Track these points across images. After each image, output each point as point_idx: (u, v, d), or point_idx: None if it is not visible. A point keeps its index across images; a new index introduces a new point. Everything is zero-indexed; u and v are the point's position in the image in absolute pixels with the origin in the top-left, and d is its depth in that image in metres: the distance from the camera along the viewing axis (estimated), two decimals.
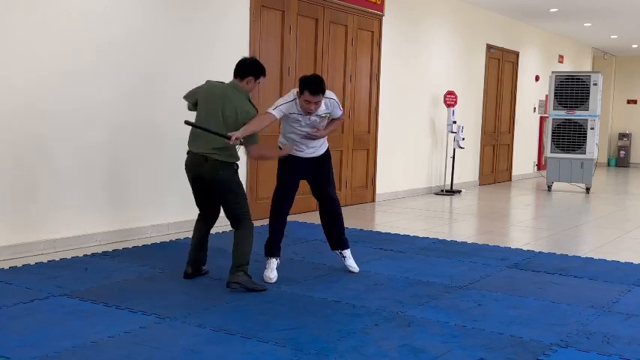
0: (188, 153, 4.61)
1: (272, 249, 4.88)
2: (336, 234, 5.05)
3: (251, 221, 4.61)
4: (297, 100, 4.66)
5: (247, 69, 4.60)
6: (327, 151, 5.02)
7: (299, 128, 4.77)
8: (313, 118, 4.73)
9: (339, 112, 4.87)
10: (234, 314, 3.97)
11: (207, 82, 4.71)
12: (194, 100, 4.68)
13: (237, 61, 4.67)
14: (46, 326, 3.65)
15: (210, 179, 4.51)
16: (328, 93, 4.76)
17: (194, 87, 4.76)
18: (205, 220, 4.81)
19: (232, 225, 4.60)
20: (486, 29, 12.25)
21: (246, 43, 7.15)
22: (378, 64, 9.35)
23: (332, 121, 4.89)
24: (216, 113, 4.48)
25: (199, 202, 4.75)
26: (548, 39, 14.86)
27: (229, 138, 4.31)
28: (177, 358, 3.26)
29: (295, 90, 4.70)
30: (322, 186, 5.00)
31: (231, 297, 4.31)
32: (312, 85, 4.56)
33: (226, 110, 4.47)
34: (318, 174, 4.97)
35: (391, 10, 9.46)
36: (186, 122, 4.46)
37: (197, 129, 4.49)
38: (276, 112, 4.62)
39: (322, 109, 4.73)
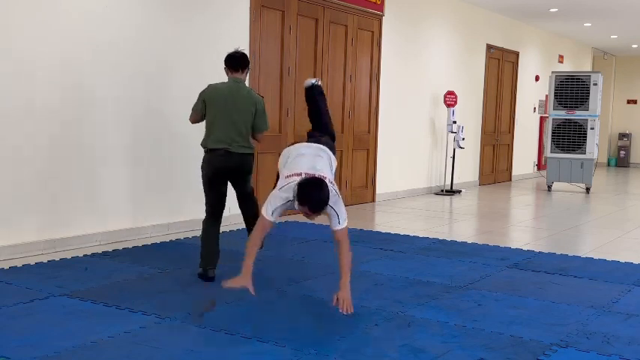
0: (208, 151, 4.75)
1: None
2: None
3: None
4: (296, 204, 3.78)
5: (245, 61, 4.89)
6: None
7: None
8: None
9: (336, 223, 3.85)
10: (234, 314, 3.96)
11: (210, 86, 4.85)
12: (202, 108, 4.81)
13: (226, 58, 4.88)
14: (46, 326, 3.65)
15: (235, 168, 4.77)
16: (332, 200, 3.81)
17: (194, 103, 4.90)
18: (215, 221, 4.86)
19: (245, 199, 4.97)
20: (486, 29, 12.25)
21: (246, 43, 7.15)
22: (378, 64, 9.35)
23: (341, 258, 3.91)
24: (230, 113, 4.71)
25: (216, 196, 4.82)
26: (548, 39, 14.86)
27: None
28: (177, 358, 3.25)
29: (293, 185, 3.76)
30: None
31: (231, 297, 4.31)
32: (314, 203, 3.67)
33: (243, 106, 4.72)
34: None
35: (391, 10, 9.46)
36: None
37: (215, 125, 4.70)
38: (273, 218, 3.88)
39: None
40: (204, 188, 4.84)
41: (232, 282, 3.59)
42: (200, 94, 4.85)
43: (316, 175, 3.80)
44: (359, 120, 9.11)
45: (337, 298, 3.79)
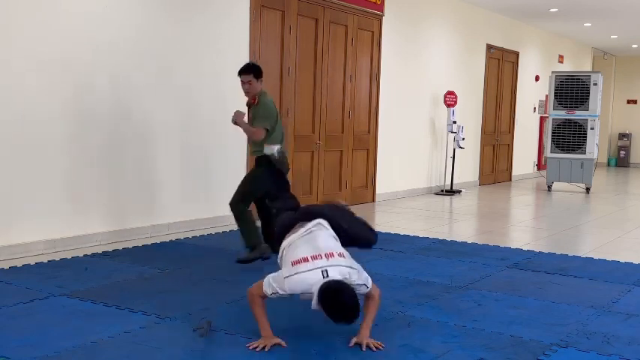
0: (279, 159, 5.18)
1: None
2: None
3: None
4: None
5: None
6: None
7: None
8: None
9: (364, 290, 3.51)
10: (234, 314, 3.97)
11: (271, 104, 5.23)
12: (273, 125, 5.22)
13: (256, 66, 5.21)
14: (46, 326, 3.65)
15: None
16: (355, 278, 3.46)
17: (270, 122, 5.16)
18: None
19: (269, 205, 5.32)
20: (486, 29, 12.25)
21: (246, 43, 7.15)
22: (378, 64, 9.35)
23: (368, 304, 3.58)
24: (281, 123, 5.30)
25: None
26: (548, 39, 14.86)
27: None
28: (177, 358, 3.26)
29: (303, 279, 3.40)
30: None
31: (231, 297, 4.31)
32: (347, 320, 3.32)
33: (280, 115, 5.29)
34: None
35: (391, 10, 9.46)
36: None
37: (280, 135, 5.22)
38: (268, 291, 3.50)
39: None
40: (263, 186, 5.20)
41: (258, 343, 3.39)
42: (270, 114, 5.16)
43: (326, 262, 3.41)
44: (359, 120, 9.11)
45: (356, 343, 3.44)
